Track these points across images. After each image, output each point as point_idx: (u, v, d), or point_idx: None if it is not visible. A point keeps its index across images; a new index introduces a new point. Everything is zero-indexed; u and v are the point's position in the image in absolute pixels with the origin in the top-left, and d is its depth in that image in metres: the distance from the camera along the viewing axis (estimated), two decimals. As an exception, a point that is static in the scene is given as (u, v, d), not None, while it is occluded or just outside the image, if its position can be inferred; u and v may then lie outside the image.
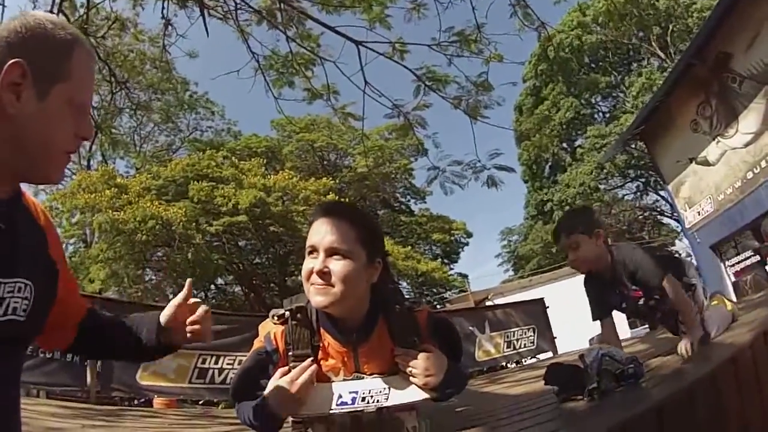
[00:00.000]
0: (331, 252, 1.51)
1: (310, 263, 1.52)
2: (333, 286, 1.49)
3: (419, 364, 1.53)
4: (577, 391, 1.91)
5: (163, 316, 1.36)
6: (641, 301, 2.66)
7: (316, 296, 1.50)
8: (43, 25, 0.96)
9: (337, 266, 1.50)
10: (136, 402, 6.04)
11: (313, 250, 1.53)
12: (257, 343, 1.65)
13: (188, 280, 1.47)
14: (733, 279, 11.87)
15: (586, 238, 2.56)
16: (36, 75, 0.92)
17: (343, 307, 1.53)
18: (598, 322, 2.73)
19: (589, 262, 2.62)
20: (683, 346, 2.28)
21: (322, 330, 1.60)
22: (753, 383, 1.89)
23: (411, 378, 1.54)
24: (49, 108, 0.94)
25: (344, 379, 1.58)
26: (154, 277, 19.11)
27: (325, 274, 1.49)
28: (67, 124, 0.98)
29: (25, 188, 1.10)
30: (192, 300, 1.41)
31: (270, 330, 1.61)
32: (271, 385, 1.53)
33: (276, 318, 1.60)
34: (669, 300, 2.51)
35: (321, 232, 1.54)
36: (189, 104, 24.43)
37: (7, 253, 0.93)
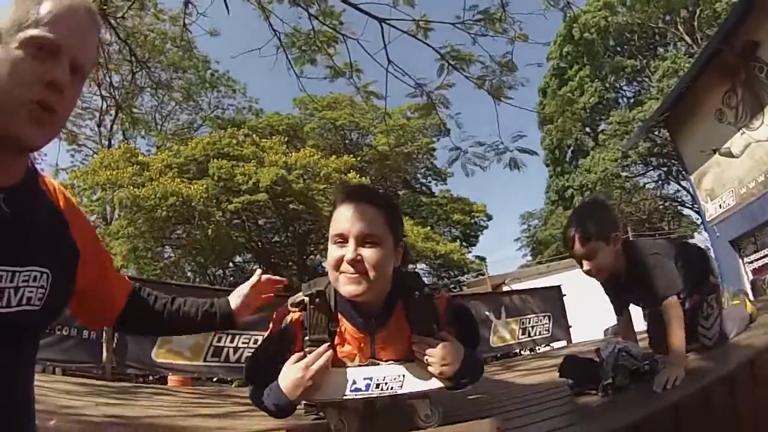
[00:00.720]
0: (362, 239, 1.49)
1: (339, 251, 1.50)
2: (366, 274, 1.47)
3: (436, 353, 1.52)
4: (592, 385, 1.89)
5: (234, 301, 1.53)
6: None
7: (348, 286, 1.48)
8: None
9: (370, 254, 1.48)
10: (151, 379, 6.14)
11: (341, 237, 1.51)
12: (273, 327, 1.66)
13: (258, 272, 1.63)
14: (751, 276, 11.64)
15: (603, 245, 2.23)
16: None
17: (374, 294, 1.53)
18: (613, 310, 2.63)
19: (606, 271, 2.29)
20: (661, 380, 1.80)
21: (339, 315, 1.60)
22: (769, 387, 1.85)
23: (428, 366, 1.54)
24: (6, 52, 0.89)
25: (359, 365, 1.59)
26: (173, 255, 19.35)
27: (357, 263, 1.47)
28: (28, 68, 0.90)
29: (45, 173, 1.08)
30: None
31: (287, 315, 1.62)
32: (285, 369, 1.53)
33: (294, 304, 1.61)
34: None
35: (349, 219, 1.51)
36: (210, 83, 24.51)
37: (18, 241, 0.92)
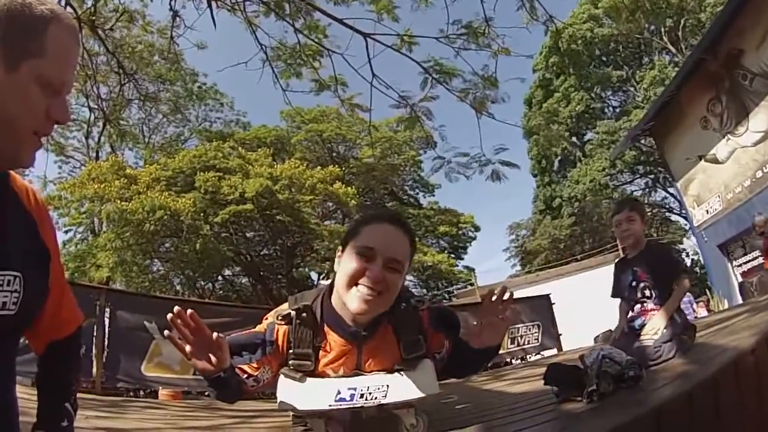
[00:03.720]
0: (390, 262, 1.51)
1: (363, 264, 1.51)
2: (382, 296, 1.50)
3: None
4: (577, 392, 1.90)
5: None
6: (642, 283, 2.98)
7: (362, 303, 1.49)
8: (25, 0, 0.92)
9: (391, 277, 1.51)
10: (141, 393, 6.07)
11: (370, 252, 1.52)
12: (260, 327, 1.67)
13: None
14: (740, 279, 11.75)
15: (639, 219, 3.07)
16: (6, 47, 0.89)
17: (374, 315, 1.56)
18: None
19: (635, 237, 3.07)
20: (646, 330, 2.75)
21: (326, 327, 1.61)
22: (754, 389, 1.87)
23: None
24: (16, 82, 0.90)
25: (344, 376, 1.59)
26: (161, 268, 19.19)
27: (379, 282, 1.49)
28: (37, 101, 0.93)
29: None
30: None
31: (276, 324, 1.63)
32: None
33: (280, 317, 1.61)
34: (658, 294, 2.88)
35: (386, 239, 1.54)
36: (198, 95, 24.45)
37: None
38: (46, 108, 0.94)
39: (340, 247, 1.63)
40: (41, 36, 0.92)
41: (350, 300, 1.51)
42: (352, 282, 1.51)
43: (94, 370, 4.61)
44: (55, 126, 1.01)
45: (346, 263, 1.54)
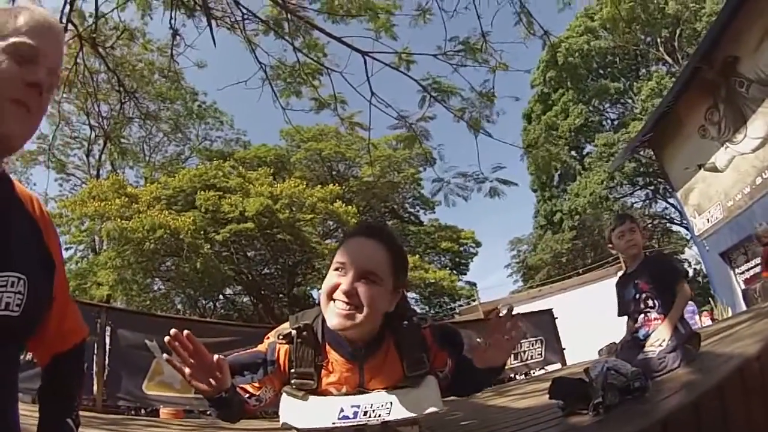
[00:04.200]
0: (362, 274, 1.49)
1: (336, 279, 1.50)
2: (358, 310, 1.47)
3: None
4: (582, 405, 1.88)
5: None
6: (644, 294, 3.01)
7: (337, 318, 1.47)
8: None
9: (365, 290, 1.48)
10: (143, 412, 6.03)
11: (343, 266, 1.51)
12: (261, 347, 1.66)
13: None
14: (743, 287, 11.70)
15: (639, 230, 3.19)
16: None
17: (359, 332, 1.52)
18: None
19: (637, 247, 3.15)
20: (651, 341, 2.76)
21: (327, 347, 1.59)
22: (760, 396, 1.84)
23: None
24: None
25: (347, 394, 1.58)
26: (162, 287, 19.15)
27: (352, 296, 1.46)
28: (8, 70, 0.95)
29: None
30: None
31: (276, 343, 1.62)
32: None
33: (281, 337, 1.60)
34: (660, 303, 2.91)
35: (356, 252, 1.52)
36: (198, 114, 24.59)
37: None
38: (20, 74, 0.96)
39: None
40: (12, 20, 0.99)
41: (329, 316, 1.50)
42: (328, 298, 1.50)
43: (95, 387, 4.60)
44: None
45: (324, 281, 1.54)
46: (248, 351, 1.68)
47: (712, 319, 11.71)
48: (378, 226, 1.87)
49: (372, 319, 1.51)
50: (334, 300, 1.49)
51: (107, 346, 4.76)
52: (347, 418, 1.52)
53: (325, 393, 1.58)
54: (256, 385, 1.59)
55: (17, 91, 0.96)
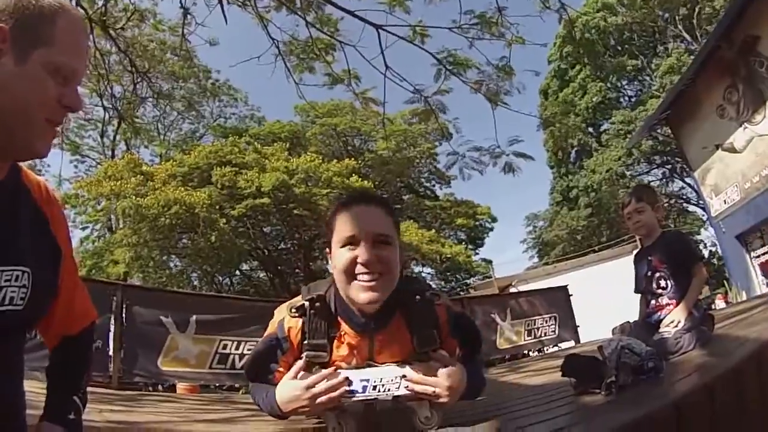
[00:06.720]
0: (376, 239, 1.47)
1: (351, 253, 1.47)
2: (382, 276, 1.45)
3: (442, 384, 1.49)
4: (595, 384, 1.86)
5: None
6: (657, 273, 2.95)
7: (365, 293, 1.45)
8: None
9: (384, 255, 1.47)
10: (160, 388, 6.14)
11: (353, 239, 1.48)
12: (270, 329, 1.65)
13: None
14: (759, 271, 11.55)
15: (650, 208, 3.02)
16: (16, 39, 0.90)
17: (385, 298, 1.50)
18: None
19: (646, 228, 3.05)
20: (665, 322, 2.72)
21: (339, 318, 1.58)
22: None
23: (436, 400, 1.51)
24: (28, 71, 0.91)
25: (356, 367, 1.57)
26: (179, 264, 19.37)
27: (372, 264, 1.45)
28: (48, 89, 0.93)
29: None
30: None
31: (284, 318, 1.61)
32: (285, 383, 1.53)
33: (294, 309, 1.59)
34: (674, 285, 2.84)
35: (360, 220, 1.49)
36: (211, 92, 24.60)
37: (2, 239, 0.92)
38: (58, 96, 0.95)
39: (327, 249, 1.59)
40: (49, 26, 0.94)
41: (355, 294, 1.47)
42: (350, 276, 1.47)
43: (111, 365, 4.66)
44: (69, 116, 1.04)
45: (336, 260, 1.51)
46: (261, 341, 1.68)
47: (726, 302, 11.59)
48: (361, 191, 1.85)
49: (395, 281, 1.50)
50: (355, 276, 1.47)
51: (123, 323, 4.82)
52: (356, 392, 1.51)
53: (335, 366, 1.58)
54: (281, 370, 1.61)
55: (54, 113, 0.96)
